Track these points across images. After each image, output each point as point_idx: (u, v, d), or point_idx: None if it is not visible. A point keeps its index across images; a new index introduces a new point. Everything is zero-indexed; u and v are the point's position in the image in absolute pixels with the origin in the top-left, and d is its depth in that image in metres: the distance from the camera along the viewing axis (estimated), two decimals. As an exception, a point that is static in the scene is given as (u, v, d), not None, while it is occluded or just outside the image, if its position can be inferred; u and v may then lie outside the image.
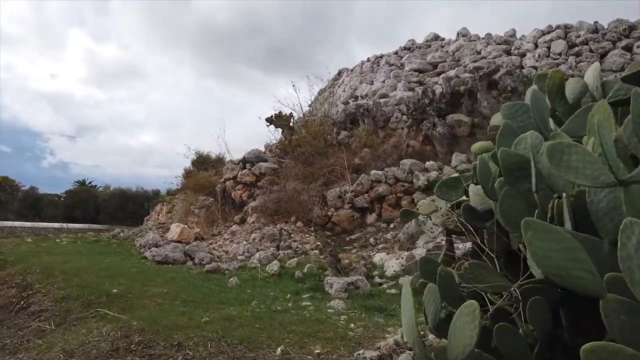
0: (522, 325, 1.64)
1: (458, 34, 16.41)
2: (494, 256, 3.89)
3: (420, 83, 15.49)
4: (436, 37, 17.33)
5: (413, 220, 4.66)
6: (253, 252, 10.55)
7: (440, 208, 4.70)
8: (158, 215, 23.62)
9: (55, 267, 7.75)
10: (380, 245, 9.87)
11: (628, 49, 12.74)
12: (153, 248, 10.87)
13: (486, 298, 1.83)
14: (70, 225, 31.22)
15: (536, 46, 13.91)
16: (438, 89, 13.51)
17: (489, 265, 2.09)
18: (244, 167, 13.87)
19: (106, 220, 43.64)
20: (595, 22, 13.78)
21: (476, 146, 4.25)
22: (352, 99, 17.85)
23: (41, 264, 8.11)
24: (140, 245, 11.93)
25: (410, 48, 17.51)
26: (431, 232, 4.94)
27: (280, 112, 16.09)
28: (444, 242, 6.70)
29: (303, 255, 10.04)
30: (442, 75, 14.97)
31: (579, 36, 13.31)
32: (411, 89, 15.29)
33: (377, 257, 9.27)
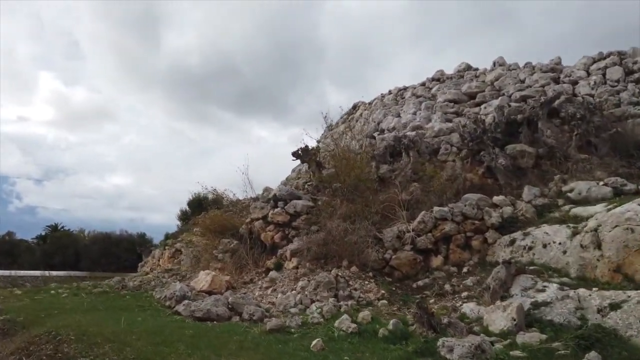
0: None
1: (494, 63, 15.71)
2: None
3: (457, 114, 14.54)
4: (468, 67, 16.61)
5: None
6: (307, 303, 9.02)
7: None
8: (158, 260, 21.65)
9: (90, 330, 6.11)
10: (464, 294, 8.45)
11: (690, 74, 12.16)
12: (186, 301, 9.22)
13: None
14: (54, 273, 28.71)
15: (588, 74, 13.20)
16: (487, 119, 12.52)
17: None
18: (276, 206, 12.39)
19: (88, 266, 40.87)
20: (650, 48, 13.26)
21: None
22: (377, 132, 16.77)
23: (68, 326, 6.44)
24: (165, 297, 10.24)
25: (439, 79, 16.73)
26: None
27: (306, 146, 14.83)
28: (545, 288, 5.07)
29: (370, 307, 8.56)
30: (483, 105, 14.06)
31: (635, 62, 12.65)
32: (449, 120, 14.30)
33: (467, 308, 7.84)
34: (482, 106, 14.14)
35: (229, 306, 8.72)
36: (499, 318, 7.05)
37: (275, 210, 12.24)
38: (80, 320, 7.06)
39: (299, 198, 12.40)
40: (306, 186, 13.79)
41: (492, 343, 6.45)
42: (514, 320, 6.81)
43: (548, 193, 10.00)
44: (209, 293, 10.41)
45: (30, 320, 7.44)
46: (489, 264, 9.37)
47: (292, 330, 7.34)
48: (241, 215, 16.08)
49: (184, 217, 29.55)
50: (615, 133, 10.50)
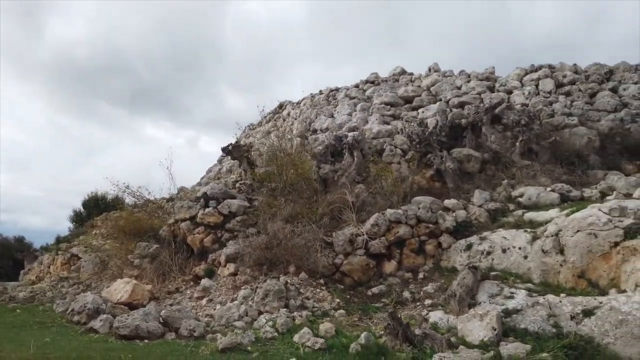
0: None
1: (430, 69, 15.74)
2: None
3: (394, 117, 14.27)
4: (403, 72, 16.48)
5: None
6: (254, 315, 7.89)
7: None
8: (48, 267, 18.69)
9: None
10: (427, 301, 7.89)
11: (614, 90, 13.04)
12: (104, 316, 7.61)
13: None
14: None
15: (522, 84, 13.64)
16: (430, 123, 12.32)
17: None
18: (206, 206, 11.00)
19: (-53, 274, 34.90)
20: (575, 65, 14.03)
21: None
22: (310, 132, 16.00)
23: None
24: (73, 311, 8.48)
25: (374, 82, 16.39)
26: None
27: (237, 142, 13.60)
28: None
29: (327, 318, 7.67)
30: (421, 109, 13.93)
31: (565, 76, 13.32)
32: (386, 123, 13.95)
33: (436, 318, 7.27)
34: (420, 110, 14.02)
35: (161, 321, 7.29)
36: (476, 328, 6.52)
37: (207, 210, 10.85)
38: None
39: (234, 197, 11.13)
40: (238, 185, 12.54)
41: (475, 356, 5.92)
42: (495, 329, 6.33)
43: (497, 197, 9.92)
44: (129, 305, 8.78)
45: None
46: (445, 269, 8.96)
47: (249, 348, 6.22)
48: (154, 215, 14.36)
49: (78, 218, 26.25)
50: (554, 141, 10.80)
